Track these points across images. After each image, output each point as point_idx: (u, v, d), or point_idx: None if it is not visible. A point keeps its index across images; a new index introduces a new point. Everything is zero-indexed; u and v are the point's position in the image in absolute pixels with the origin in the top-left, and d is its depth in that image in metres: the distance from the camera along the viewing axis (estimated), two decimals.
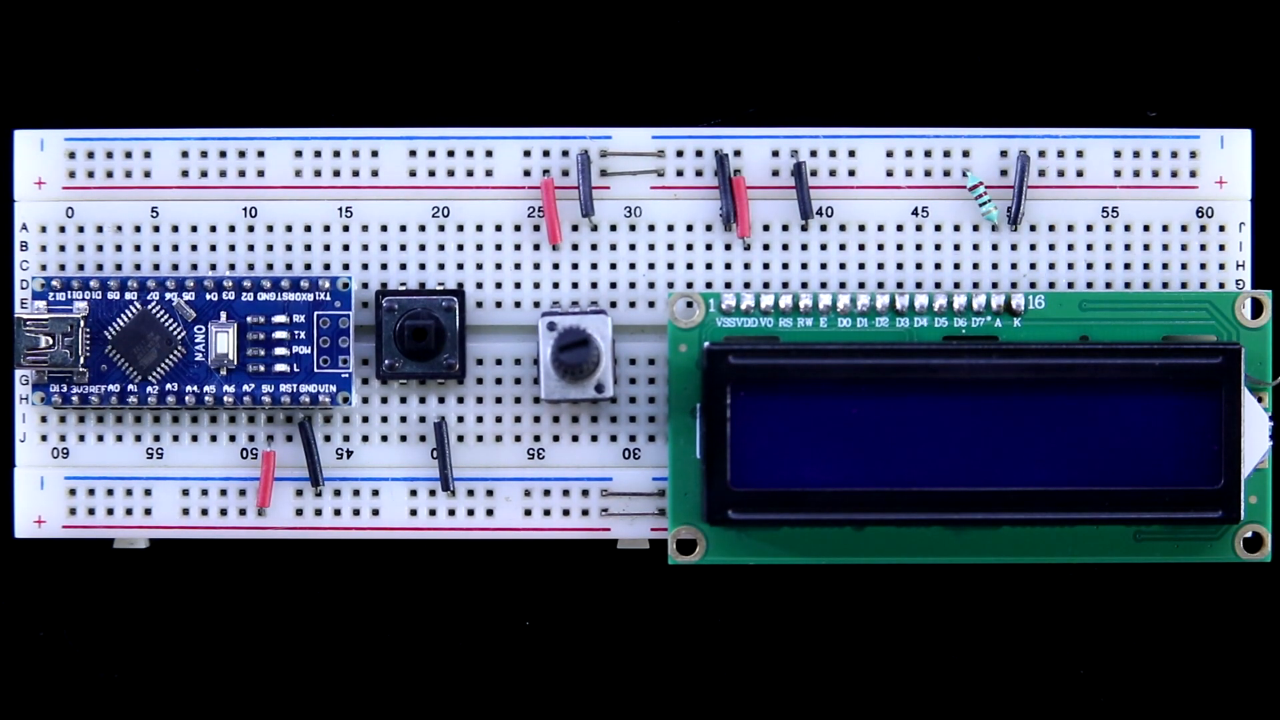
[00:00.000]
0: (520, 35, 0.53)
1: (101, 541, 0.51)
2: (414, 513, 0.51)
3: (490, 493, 0.51)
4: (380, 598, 0.52)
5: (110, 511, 0.50)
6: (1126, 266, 0.50)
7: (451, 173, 0.51)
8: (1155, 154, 0.50)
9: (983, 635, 0.52)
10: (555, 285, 0.51)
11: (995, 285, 0.50)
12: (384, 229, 0.50)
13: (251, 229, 0.50)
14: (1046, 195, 0.50)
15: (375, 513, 0.51)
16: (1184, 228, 0.50)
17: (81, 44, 0.52)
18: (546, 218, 0.50)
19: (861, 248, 0.50)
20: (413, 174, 0.51)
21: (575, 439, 0.51)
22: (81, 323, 0.49)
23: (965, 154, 0.50)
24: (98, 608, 0.52)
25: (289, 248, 0.50)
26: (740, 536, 0.49)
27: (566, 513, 0.50)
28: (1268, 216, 0.51)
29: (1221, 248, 0.50)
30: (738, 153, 0.50)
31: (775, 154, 0.50)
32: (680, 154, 0.51)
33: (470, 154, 0.51)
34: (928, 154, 0.50)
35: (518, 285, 0.51)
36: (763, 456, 0.49)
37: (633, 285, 0.51)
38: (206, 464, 0.51)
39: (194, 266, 0.50)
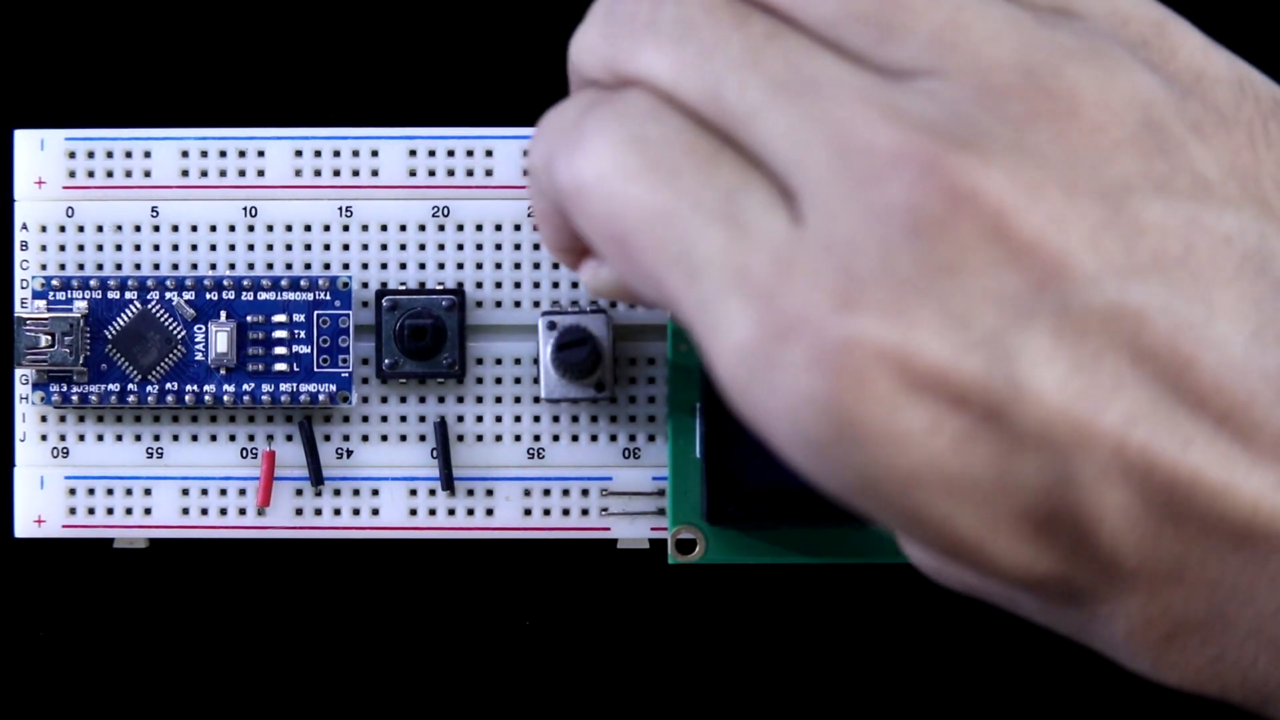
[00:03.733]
0: (520, 35, 0.53)
1: (101, 541, 0.51)
2: (414, 512, 0.50)
3: (490, 492, 0.51)
4: (380, 598, 0.52)
5: (110, 511, 0.50)
6: None
7: (451, 173, 0.51)
8: None
9: (982, 636, 0.52)
10: (555, 285, 0.51)
11: None
12: (384, 229, 0.50)
13: (251, 229, 0.50)
14: None
15: (375, 512, 0.51)
16: None
17: (81, 44, 0.52)
18: None
19: None
20: (413, 174, 0.51)
21: (575, 439, 0.51)
22: (81, 322, 0.49)
23: None
24: (98, 608, 0.52)
25: (289, 247, 0.50)
26: (740, 536, 0.49)
27: (566, 512, 0.50)
28: None
29: None
30: None
31: None
32: None
33: (470, 154, 0.51)
34: None
35: (518, 285, 0.51)
36: (763, 456, 0.48)
37: None
38: (206, 464, 0.51)
39: (194, 266, 0.50)
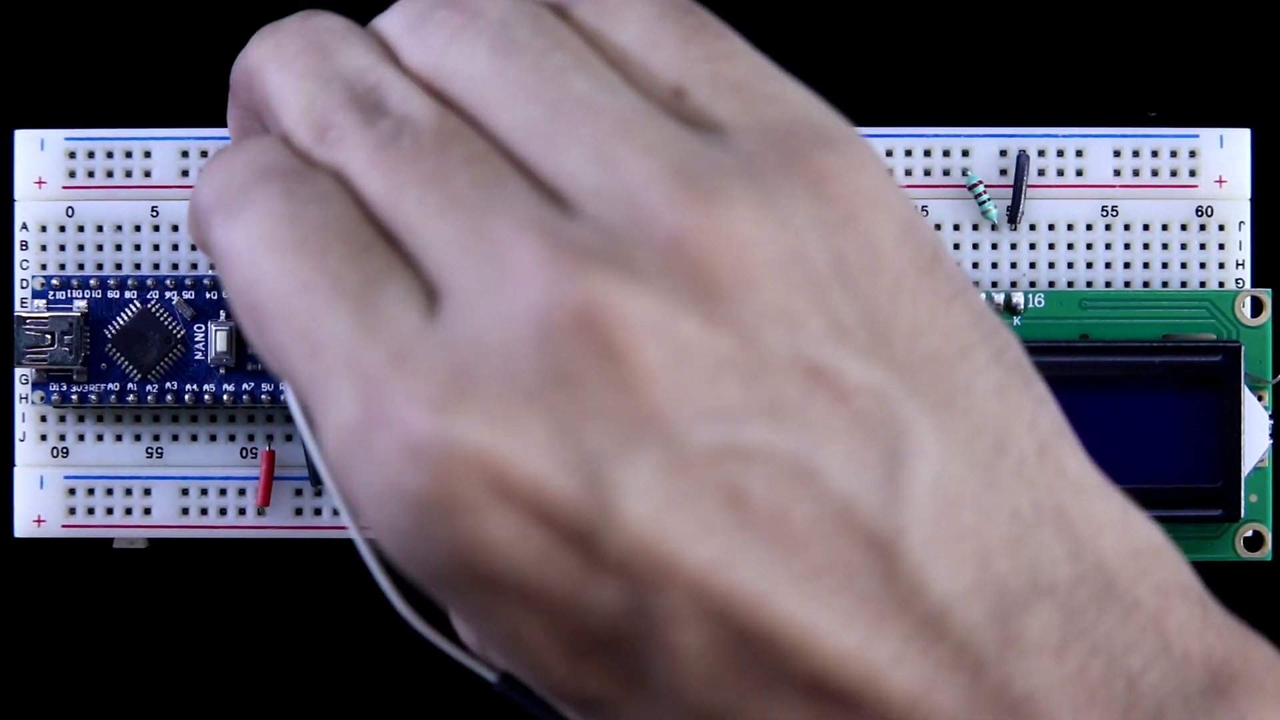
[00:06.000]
0: None
1: (101, 541, 0.51)
2: None
3: None
4: (380, 598, 0.52)
5: (109, 511, 0.50)
6: (1126, 265, 0.50)
7: None
8: (1155, 153, 0.50)
9: None
10: None
11: (995, 284, 0.50)
12: None
13: None
14: (1046, 194, 0.50)
15: None
16: (1184, 227, 0.50)
17: (81, 44, 0.52)
18: None
19: None
20: None
21: None
22: (81, 321, 0.49)
23: (965, 153, 0.50)
24: (98, 608, 0.52)
25: None
26: None
27: None
28: (1267, 216, 0.51)
29: (1221, 246, 0.50)
30: None
31: None
32: None
33: None
34: (927, 153, 0.50)
35: None
36: None
37: None
38: (206, 463, 0.51)
39: (194, 266, 0.50)
